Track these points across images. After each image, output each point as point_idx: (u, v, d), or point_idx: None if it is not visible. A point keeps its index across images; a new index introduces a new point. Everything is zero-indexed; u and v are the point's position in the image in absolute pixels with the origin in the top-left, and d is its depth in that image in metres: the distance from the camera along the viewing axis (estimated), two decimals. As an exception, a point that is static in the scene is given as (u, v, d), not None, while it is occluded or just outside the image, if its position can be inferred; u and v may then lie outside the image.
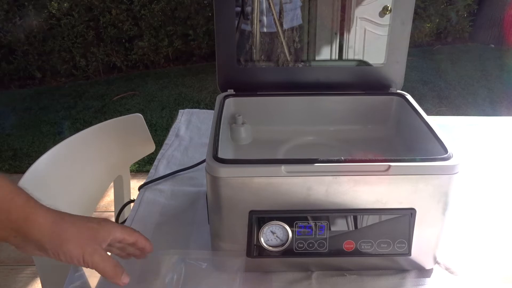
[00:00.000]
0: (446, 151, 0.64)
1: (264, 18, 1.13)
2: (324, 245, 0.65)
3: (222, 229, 0.66)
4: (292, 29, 1.21)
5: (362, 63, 0.95)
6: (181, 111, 1.29)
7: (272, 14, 1.12)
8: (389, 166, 0.61)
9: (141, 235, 0.62)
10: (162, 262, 0.67)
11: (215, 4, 0.81)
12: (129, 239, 0.60)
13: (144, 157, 1.21)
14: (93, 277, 0.68)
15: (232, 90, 0.87)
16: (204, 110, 1.30)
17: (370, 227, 0.65)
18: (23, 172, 0.88)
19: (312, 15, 1.07)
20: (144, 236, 0.63)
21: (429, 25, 4.26)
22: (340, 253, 0.66)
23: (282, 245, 0.65)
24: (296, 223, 0.64)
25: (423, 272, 0.70)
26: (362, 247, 0.66)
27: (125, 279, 0.57)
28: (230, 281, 0.66)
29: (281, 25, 1.19)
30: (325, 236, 0.65)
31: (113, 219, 1.12)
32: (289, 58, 1.09)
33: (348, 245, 0.66)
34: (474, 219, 0.83)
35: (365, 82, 0.88)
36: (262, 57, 1.16)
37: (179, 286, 0.64)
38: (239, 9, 1.03)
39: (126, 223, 0.83)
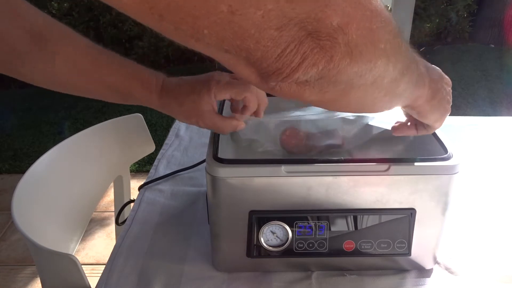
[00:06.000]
0: (446, 151, 0.64)
1: None
2: (324, 245, 0.65)
3: (222, 229, 0.66)
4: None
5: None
6: (181, 111, 1.28)
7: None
8: (389, 166, 0.61)
9: (252, 94, 0.66)
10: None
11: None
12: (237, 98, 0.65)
13: (144, 157, 1.21)
14: None
15: (232, 90, 0.87)
16: (204, 110, 1.30)
17: (370, 227, 0.65)
18: (23, 172, 0.88)
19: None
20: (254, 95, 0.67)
21: (429, 25, 4.26)
22: (340, 253, 0.66)
23: (282, 245, 0.65)
24: (296, 223, 0.64)
25: (423, 272, 0.70)
26: (362, 247, 0.66)
27: (241, 125, 0.67)
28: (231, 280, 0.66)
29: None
30: (325, 236, 0.65)
31: (113, 219, 1.12)
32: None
33: (348, 245, 0.66)
34: (474, 219, 0.83)
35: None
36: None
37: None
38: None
39: (126, 224, 0.83)
